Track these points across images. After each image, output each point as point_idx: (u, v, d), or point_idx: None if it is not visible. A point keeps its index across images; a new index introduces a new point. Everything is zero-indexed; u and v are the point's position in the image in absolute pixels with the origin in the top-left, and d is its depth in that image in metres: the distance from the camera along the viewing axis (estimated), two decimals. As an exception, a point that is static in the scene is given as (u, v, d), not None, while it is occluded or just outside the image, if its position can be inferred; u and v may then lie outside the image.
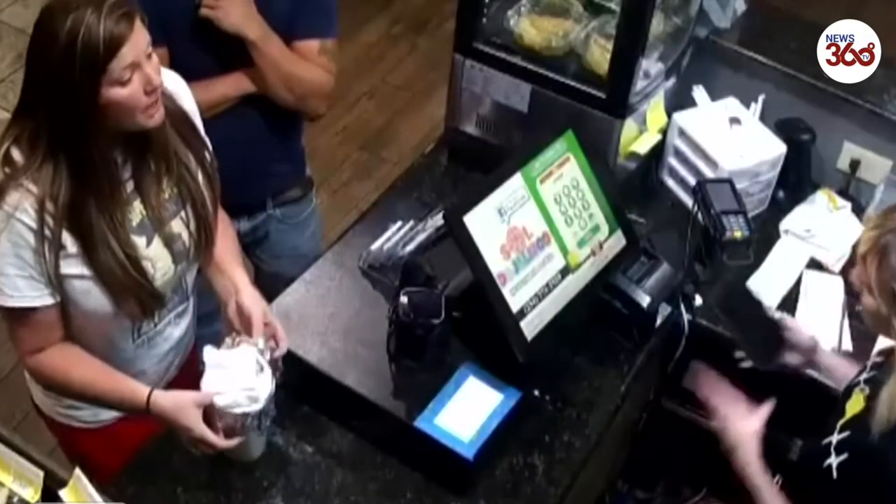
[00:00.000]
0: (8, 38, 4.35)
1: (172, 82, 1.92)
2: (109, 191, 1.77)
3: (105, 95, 1.67)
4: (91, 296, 1.83)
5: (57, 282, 1.79)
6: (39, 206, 1.72)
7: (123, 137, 1.77)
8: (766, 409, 2.01)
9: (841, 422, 1.87)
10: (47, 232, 1.74)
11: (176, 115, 1.87)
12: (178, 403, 1.84)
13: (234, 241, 2.14)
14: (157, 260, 1.88)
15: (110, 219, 1.77)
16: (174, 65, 2.27)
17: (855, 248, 1.90)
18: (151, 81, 1.71)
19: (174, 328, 2.05)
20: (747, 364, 2.13)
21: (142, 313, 1.91)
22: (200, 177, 1.92)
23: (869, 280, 1.78)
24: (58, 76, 1.66)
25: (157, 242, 1.87)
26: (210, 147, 1.97)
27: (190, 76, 2.27)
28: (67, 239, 1.76)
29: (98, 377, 1.91)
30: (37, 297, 1.80)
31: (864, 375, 1.94)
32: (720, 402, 2.02)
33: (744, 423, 1.98)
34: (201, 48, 2.26)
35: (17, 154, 1.73)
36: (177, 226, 1.90)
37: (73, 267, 1.79)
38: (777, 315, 2.18)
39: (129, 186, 1.82)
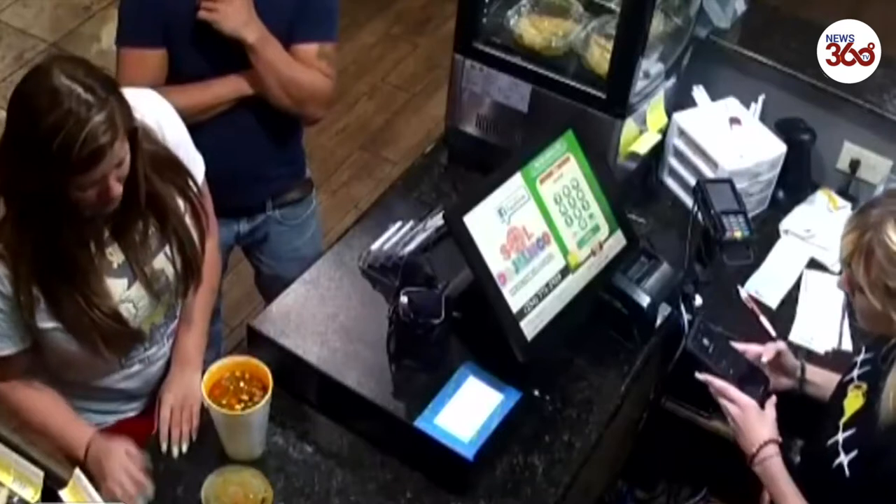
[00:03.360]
0: (8, 38, 4.35)
1: (155, 111, 1.87)
2: (76, 245, 1.74)
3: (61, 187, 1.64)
4: (66, 344, 1.83)
5: (31, 334, 1.80)
6: (11, 270, 1.71)
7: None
8: (772, 409, 2.01)
9: (843, 420, 1.87)
10: (21, 294, 1.72)
11: (156, 155, 1.81)
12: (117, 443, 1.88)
13: (208, 300, 2.11)
14: (138, 300, 1.87)
15: (78, 278, 1.75)
16: (173, 65, 2.28)
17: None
18: (109, 192, 1.67)
19: (167, 347, 2.05)
20: None
21: (119, 355, 1.90)
22: (183, 208, 1.88)
23: (858, 281, 1.77)
24: (27, 151, 1.61)
25: (138, 283, 1.86)
26: (195, 177, 1.93)
27: (188, 78, 2.28)
28: (40, 295, 1.75)
29: (48, 418, 1.93)
30: (2, 347, 1.81)
31: (856, 372, 1.93)
32: (732, 407, 2.02)
33: (761, 431, 1.98)
34: (200, 50, 2.26)
35: None
36: (160, 262, 1.88)
37: (45, 321, 1.78)
38: (771, 349, 2.16)
39: (107, 231, 1.80)
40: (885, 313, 1.76)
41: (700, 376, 2.08)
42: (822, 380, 2.11)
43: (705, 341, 2.14)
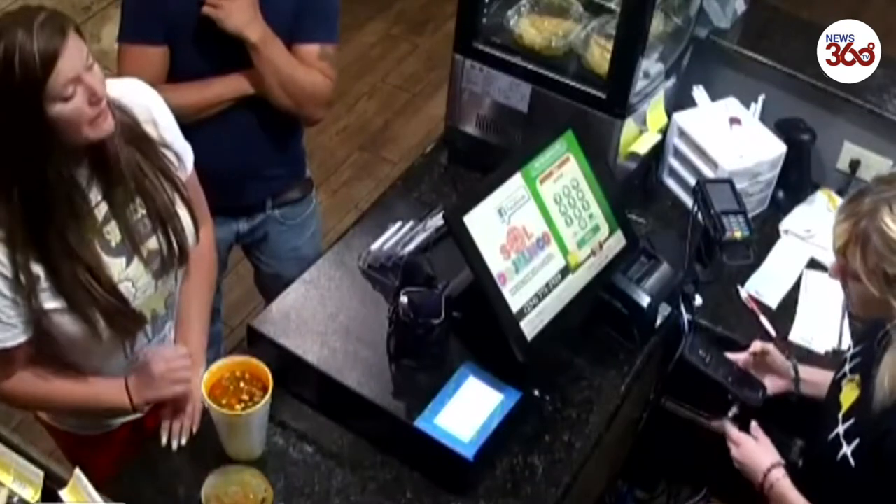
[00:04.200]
0: (8, 38, 4.35)
1: (144, 97, 1.89)
2: (73, 220, 1.74)
3: (49, 113, 1.64)
4: (69, 326, 1.82)
5: (33, 319, 1.79)
6: (8, 250, 1.71)
7: (80, 159, 1.74)
8: (761, 433, 2.03)
9: (841, 413, 1.88)
10: (21, 275, 1.73)
11: (129, 126, 1.82)
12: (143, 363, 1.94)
13: (206, 299, 2.13)
14: (137, 279, 1.87)
15: (76, 249, 1.75)
16: (174, 63, 2.28)
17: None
18: (95, 93, 1.67)
19: (166, 341, 2.05)
20: (734, 411, 2.12)
21: (122, 337, 1.90)
22: (168, 189, 1.88)
23: (854, 269, 1.78)
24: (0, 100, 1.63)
25: (136, 261, 1.86)
26: (176, 160, 1.93)
27: (189, 76, 2.28)
28: (41, 272, 1.75)
29: (75, 387, 1.94)
30: (7, 338, 1.80)
31: (847, 367, 1.95)
32: (732, 448, 2.05)
33: (762, 459, 1.99)
34: (202, 49, 2.26)
35: None
36: (154, 242, 1.88)
37: (48, 301, 1.78)
38: (757, 345, 2.18)
39: (104, 208, 1.80)
40: (883, 299, 1.77)
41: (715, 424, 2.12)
42: (818, 378, 2.12)
43: (701, 352, 2.15)
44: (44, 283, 1.76)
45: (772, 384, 2.15)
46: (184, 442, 1.98)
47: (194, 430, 1.99)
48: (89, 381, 1.95)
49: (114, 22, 2.26)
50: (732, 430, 2.07)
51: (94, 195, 1.79)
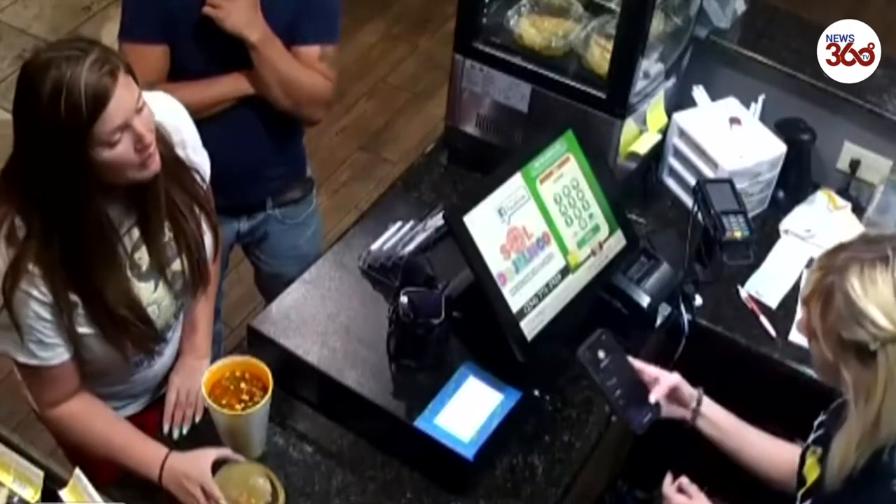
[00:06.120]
0: (8, 38, 4.35)
1: (172, 113, 1.88)
2: (108, 251, 1.74)
3: (92, 156, 1.61)
4: (98, 348, 1.84)
5: (71, 340, 1.80)
6: (48, 281, 1.70)
7: (119, 191, 1.73)
8: (694, 489, 1.94)
9: (801, 492, 1.77)
10: (61, 302, 1.72)
11: (168, 157, 1.81)
12: (196, 454, 1.89)
13: (211, 303, 2.16)
14: (161, 301, 1.89)
15: (110, 286, 1.75)
16: (174, 63, 2.28)
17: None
18: (142, 139, 1.64)
19: (171, 343, 2.06)
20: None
21: (143, 354, 1.94)
22: (197, 214, 1.89)
23: (813, 325, 1.61)
24: (44, 137, 1.60)
25: (161, 284, 1.87)
26: (203, 177, 1.93)
27: (189, 75, 2.29)
28: (78, 300, 1.75)
29: (117, 436, 1.93)
30: (49, 356, 1.80)
31: (813, 436, 1.82)
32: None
33: None
34: (202, 47, 2.26)
35: (18, 225, 1.68)
36: (178, 264, 1.89)
37: (83, 327, 1.79)
38: (654, 371, 1.96)
39: (136, 234, 1.80)
40: (835, 365, 1.60)
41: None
42: (719, 419, 1.97)
43: (600, 354, 1.90)
44: (80, 310, 1.77)
45: (669, 409, 1.97)
46: (185, 431, 1.99)
47: (197, 418, 2.01)
48: (131, 437, 1.94)
49: (114, 22, 2.26)
50: (673, 496, 1.93)
51: (127, 222, 1.79)
